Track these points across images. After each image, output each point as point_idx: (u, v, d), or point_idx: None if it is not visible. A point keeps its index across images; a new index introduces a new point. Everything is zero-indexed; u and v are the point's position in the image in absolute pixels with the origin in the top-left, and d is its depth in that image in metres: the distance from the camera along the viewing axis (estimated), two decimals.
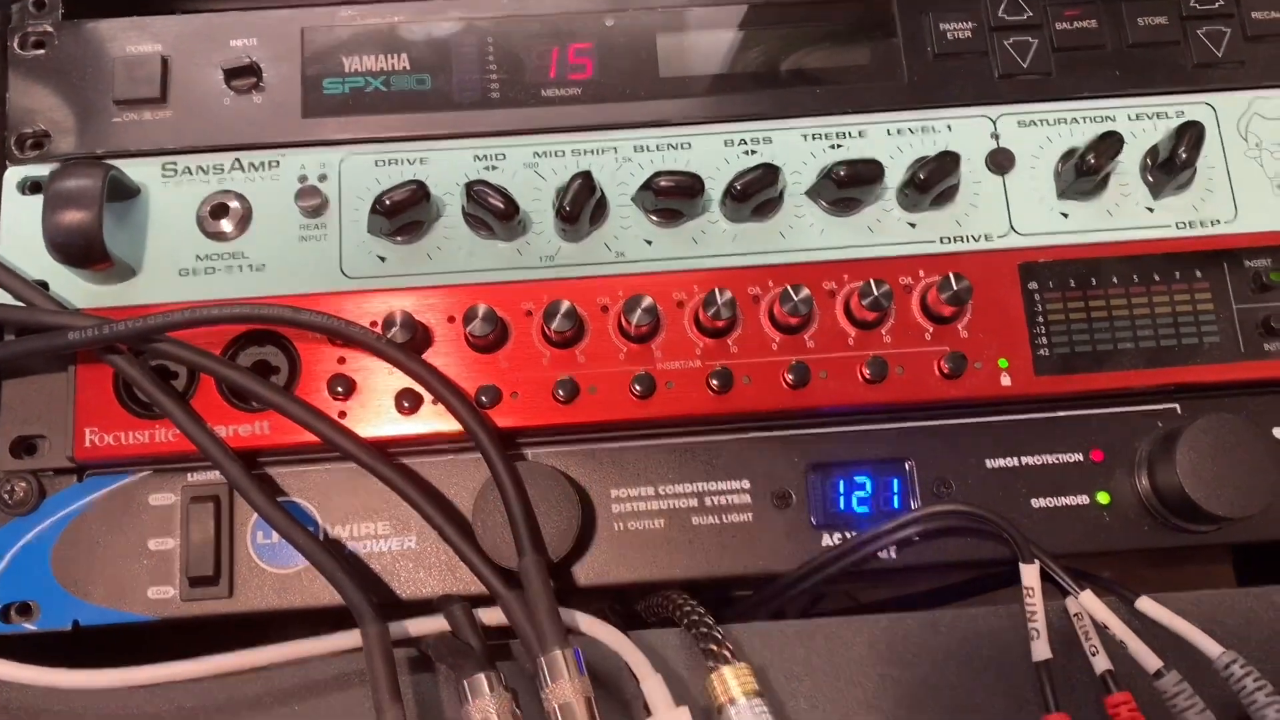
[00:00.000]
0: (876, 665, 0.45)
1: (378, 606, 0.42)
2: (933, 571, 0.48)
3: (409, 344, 0.45)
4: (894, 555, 0.47)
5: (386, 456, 0.45)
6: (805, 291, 0.46)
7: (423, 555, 0.47)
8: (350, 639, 0.43)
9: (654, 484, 0.48)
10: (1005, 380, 0.47)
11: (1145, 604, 0.45)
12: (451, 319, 0.47)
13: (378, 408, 0.46)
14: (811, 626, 0.46)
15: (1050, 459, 0.48)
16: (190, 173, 0.49)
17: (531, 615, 0.41)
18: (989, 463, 0.48)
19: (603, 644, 0.42)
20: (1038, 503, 0.47)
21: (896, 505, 0.47)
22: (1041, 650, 0.43)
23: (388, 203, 0.46)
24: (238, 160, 0.50)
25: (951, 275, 0.46)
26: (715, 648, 0.42)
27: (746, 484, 0.48)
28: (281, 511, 0.44)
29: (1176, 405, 0.48)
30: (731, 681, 0.41)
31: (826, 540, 0.47)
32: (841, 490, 0.48)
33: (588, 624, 0.43)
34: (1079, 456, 0.48)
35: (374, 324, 0.46)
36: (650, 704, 0.41)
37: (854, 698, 0.45)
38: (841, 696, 0.45)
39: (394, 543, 0.47)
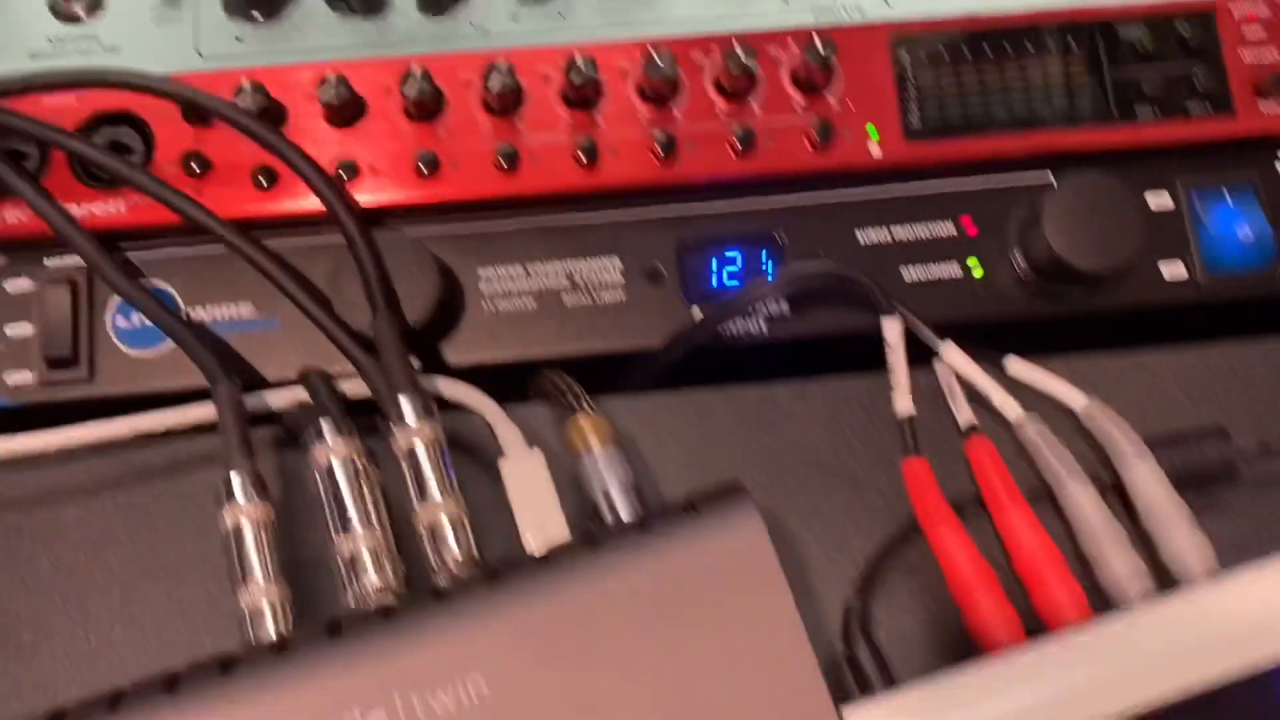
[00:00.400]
0: (745, 431, 0.45)
1: (226, 368, 0.41)
2: (807, 351, 0.48)
3: (261, 115, 0.44)
4: (765, 329, 0.47)
5: (245, 232, 0.44)
6: (671, 58, 0.45)
7: (287, 337, 0.46)
8: (208, 410, 0.42)
9: (523, 263, 0.47)
10: (875, 150, 0.47)
11: (1014, 364, 0.45)
12: (308, 95, 0.46)
13: (235, 185, 0.45)
14: (681, 397, 0.46)
15: (922, 230, 0.47)
16: None
17: (384, 370, 0.40)
18: (860, 236, 0.47)
19: (468, 411, 0.42)
20: (909, 274, 0.47)
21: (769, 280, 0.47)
22: (903, 403, 0.43)
23: None
24: None
25: (818, 40, 0.45)
26: (575, 404, 0.42)
27: (617, 262, 0.47)
28: (132, 282, 0.43)
29: (1049, 173, 0.48)
30: (588, 431, 0.41)
31: (698, 315, 0.47)
32: (714, 267, 0.47)
33: (446, 386, 0.42)
34: (951, 227, 0.47)
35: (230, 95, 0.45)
36: (503, 447, 0.40)
37: (722, 463, 0.44)
38: (710, 462, 0.44)
39: (258, 325, 0.46)
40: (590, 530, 0.35)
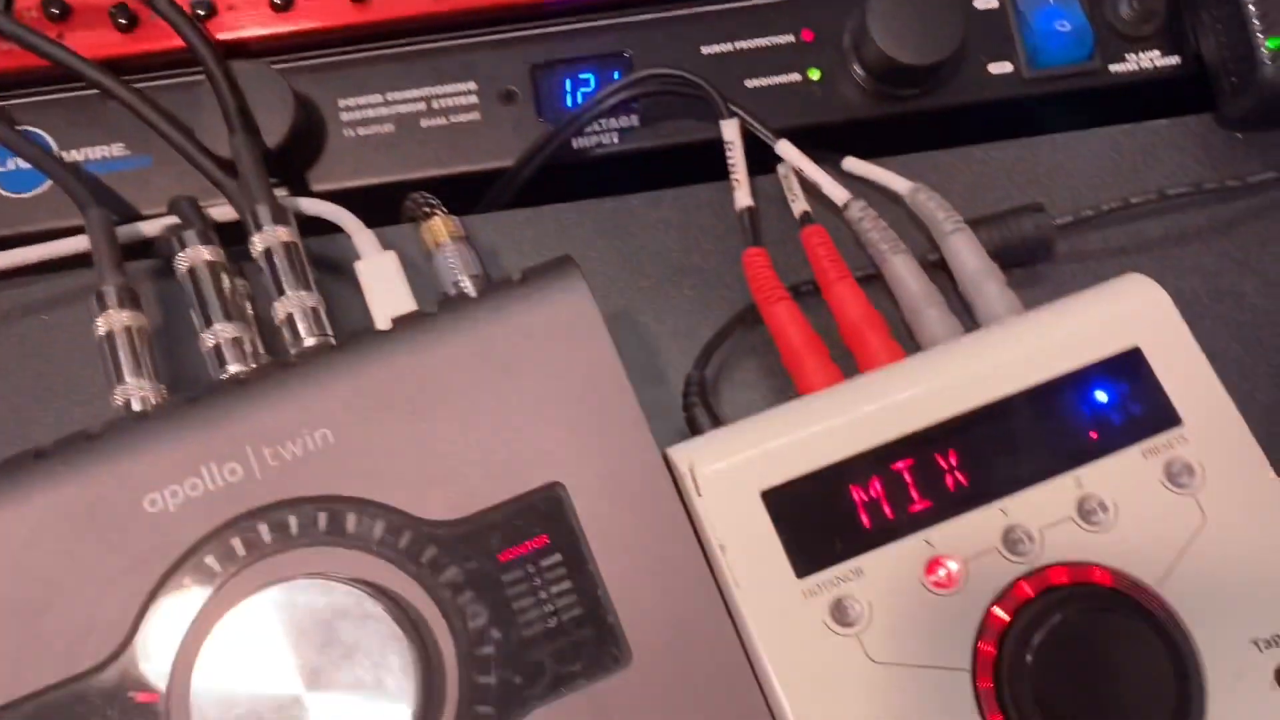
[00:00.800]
0: (601, 240, 0.47)
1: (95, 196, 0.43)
2: (658, 162, 0.50)
3: None
4: (616, 141, 0.49)
5: (110, 71, 0.46)
6: None
7: (160, 172, 0.48)
8: (84, 241, 0.44)
9: (381, 91, 0.49)
10: None
11: (850, 162, 0.47)
12: None
13: (96, 27, 0.47)
14: (540, 212, 0.48)
15: (763, 41, 0.50)
16: None
17: (242, 185, 0.43)
18: (705, 49, 0.50)
19: (331, 230, 0.44)
20: (751, 83, 0.50)
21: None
22: (743, 199, 0.46)
23: None
24: None
25: None
26: (429, 209, 0.44)
27: (472, 85, 0.49)
28: (2, 125, 0.45)
29: None
30: (439, 229, 0.43)
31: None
32: (567, 87, 0.49)
33: (306, 203, 0.45)
34: (790, 37, 0.50)
35: None
36: (359, 250, 0.43)
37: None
38: None
39: (131, 163, 0.48)
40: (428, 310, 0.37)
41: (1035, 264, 0.46)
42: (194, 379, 0.44)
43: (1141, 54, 0.50)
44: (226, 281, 0.41)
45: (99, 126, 0.48)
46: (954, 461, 0.35)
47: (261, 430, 0.34)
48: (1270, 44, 0.45)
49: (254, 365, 0.40)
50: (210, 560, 0.32)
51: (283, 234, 0.41)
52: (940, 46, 0.47)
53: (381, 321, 0.41)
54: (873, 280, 0.45)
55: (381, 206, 0.48)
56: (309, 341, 0.39)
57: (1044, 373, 0.36)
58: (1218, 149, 0.49)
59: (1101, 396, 0.36)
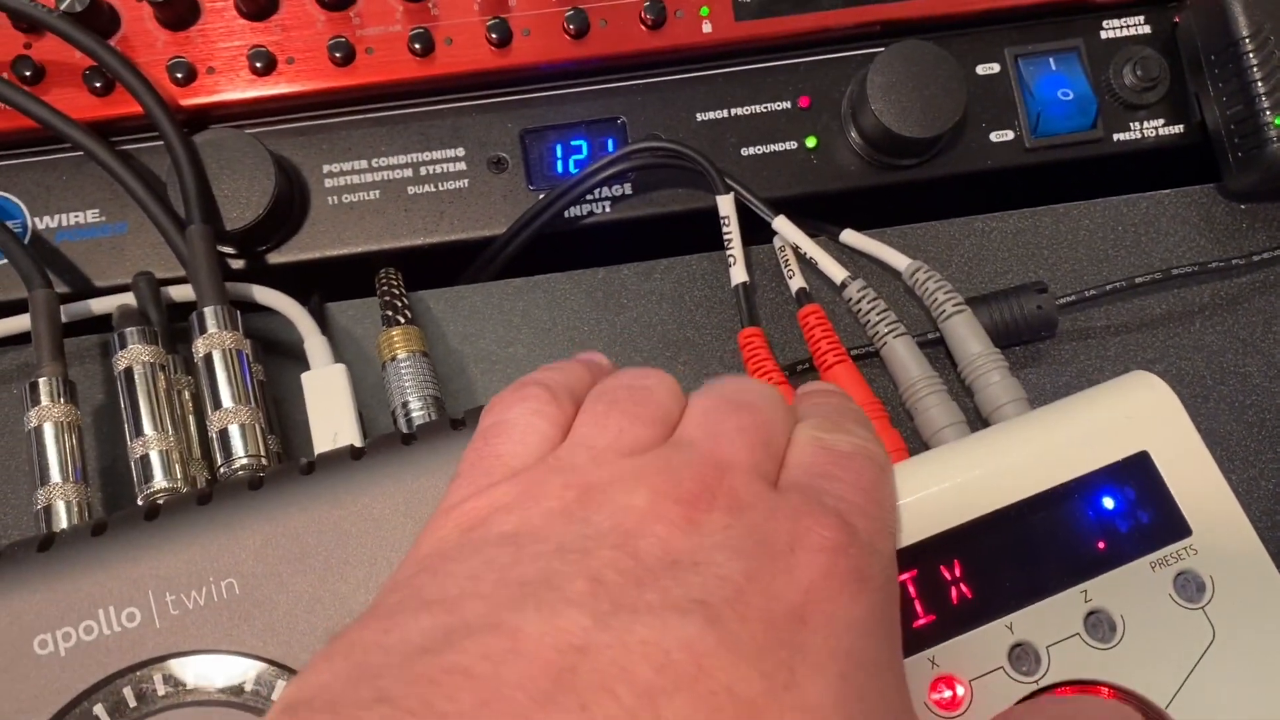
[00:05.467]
0: (592, 312, 0.46)
1: (46, 274, 0.42)
2: (651, 231, 0.49)
3: (88, 17, 0.44)
4: (609, 210, 0.48)
5: (92, 132, 0.44)
6: None
7: (134, 240, 0.46)
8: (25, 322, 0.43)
9: (367, 157, 0.47)
10: (707, 27, 0.47)
11: (848, 235, 0.46)
12: None
13: (69, 89, 0.45)
14: (531, 282, 0.47)
15: (758, 108, 0.49)
16: None
17: (193, 280, 0.41)
18: (699, 115, 0.48)
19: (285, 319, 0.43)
20: (747, 151, 0.48)
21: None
22: (739, 275, 0.45)
23: None
24: None
25: None
26: (390, 313, 0.43)
27: (461, 151, 0.48)
28: None
29: (882, 48, 0.49)
30: (396, 341, 0.42)
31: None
32: (558, 153, 0.48)
33: (260, 293, 0.43)
34: (786, 104, 0.49)
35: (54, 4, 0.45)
36: (310, 360, 0.41)
37: (571, 342, 0.46)
38: (558, 342, 0.46)
39: (105, 229, 0.47)
40: (357, 446, 0.35)
41: (1037, 341, 0.45)
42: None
43: (1145, 123, 0.49)
44: (163, 384, 0.40)
45: (74, 191, 0.47)
46: (959, 573, 0.34)
47: (166, 575, 0.32)
48: (1277, 122, 0.44)
49: (181, 482, 0.38)
50: (99, 710, 0.31)
51: (227, 340, 0.40)
52: (941, 120, 0.45)
53: (319, 440, 0.39)
54: (871, 358, 0.44)
55: (364, 276, 0.47)
56: (240, 460, 0.38)
57: (1051, 478, 0.35)
58: (1221, 220, 0.48)
59: (1109, 503, 0.35)
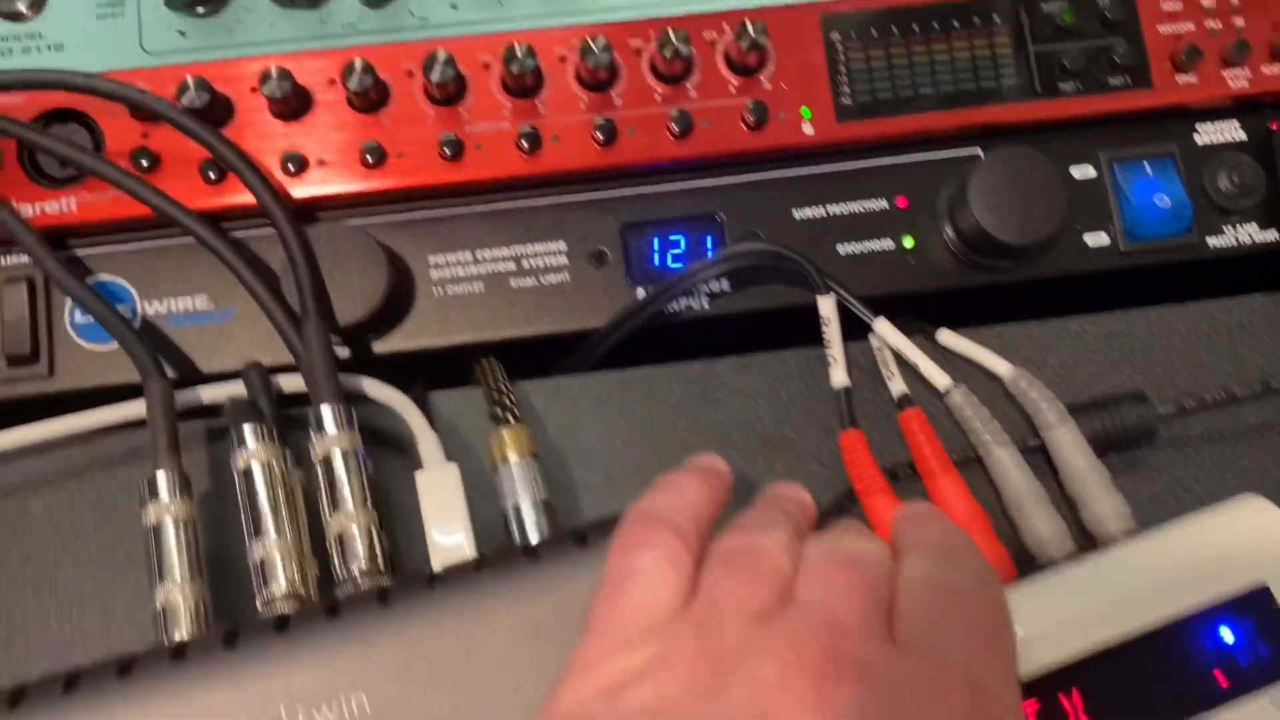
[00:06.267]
0: (689, 407, 0.47)
1: (162, 366, 0.43)
2: (747, 325, 0.49)
3: (207, 112, 0.45)
4: (706, 306, 0.49)
5: (205, 220, 0.45)
6: (606, 43, 0.46)
7: (242, 327, 0.47)
8: (139, 407, 0.43)
9: (471, 249, 0.48)
10: (808, 129, 0.48)
11: (945, 335, 0.47)
12: (253, 89, 0.47)
13: (185, 181, 0.46)
14: (628, 375, 0.47)
15: (856, 206, 0.49)
16: None
17: (309, 377, 0.42)
18: (796, 213, 0.49)
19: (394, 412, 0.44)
20: (844, 249, 0.49)
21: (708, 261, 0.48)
22: (839, 378, 0.45)
23: None
24: None
25: (749, 23, 0.46)
26: (500, 411, 0.43)
27: (562, 245, 0.48)
28: (74, 277, 0.44)
29: (978, 149, 0.49)
30: (507, 443, 0.42)
31: (642, 295, 0.48)
32: (656, 247, 0.49)
33: (371, 386, 0.44)
34: (884, 203, 0.49)
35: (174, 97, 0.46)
36: (423, 459, 0.42)
37: (667, 437, 0.46)
38: (655, 437, 0.46)
39: (214, 315, 0.47)
40: (481, 555, 0.35)
41: (1135, 450, 0.46)
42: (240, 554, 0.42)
43: (1240, 227, 0.49)
44: (281, 486, 0.40)
45: (182, 277, 0.47)
46: (1079, 704, 0.34)
47: (298, 690, 0.32)
48: None
49: (299, 585, 0.39)
50: None
51: (345, 441, 0.40)
52: (1042, 227, 0.46)
53: (437, 553, 0.40)
54: (972, 463, 0.45)
55: (464, 363, 0.47)
56: (359, 565, 0.39)
57: (1168, 611, 0.35)
58: None
59: (1228, 636, 0.35)
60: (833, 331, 0.45)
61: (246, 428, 0.40)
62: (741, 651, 0.28)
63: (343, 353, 0.47)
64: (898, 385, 0.45)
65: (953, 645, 0.29)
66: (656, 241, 0.49)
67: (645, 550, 0.31)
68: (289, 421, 0.44)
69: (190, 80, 0.45)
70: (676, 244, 0.49)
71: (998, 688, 0.29)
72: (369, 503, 0.40)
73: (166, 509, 0.40)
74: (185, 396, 0.44)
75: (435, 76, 0.45)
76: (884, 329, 0.45)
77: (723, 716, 0.26)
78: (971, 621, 0.30)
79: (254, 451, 0.40)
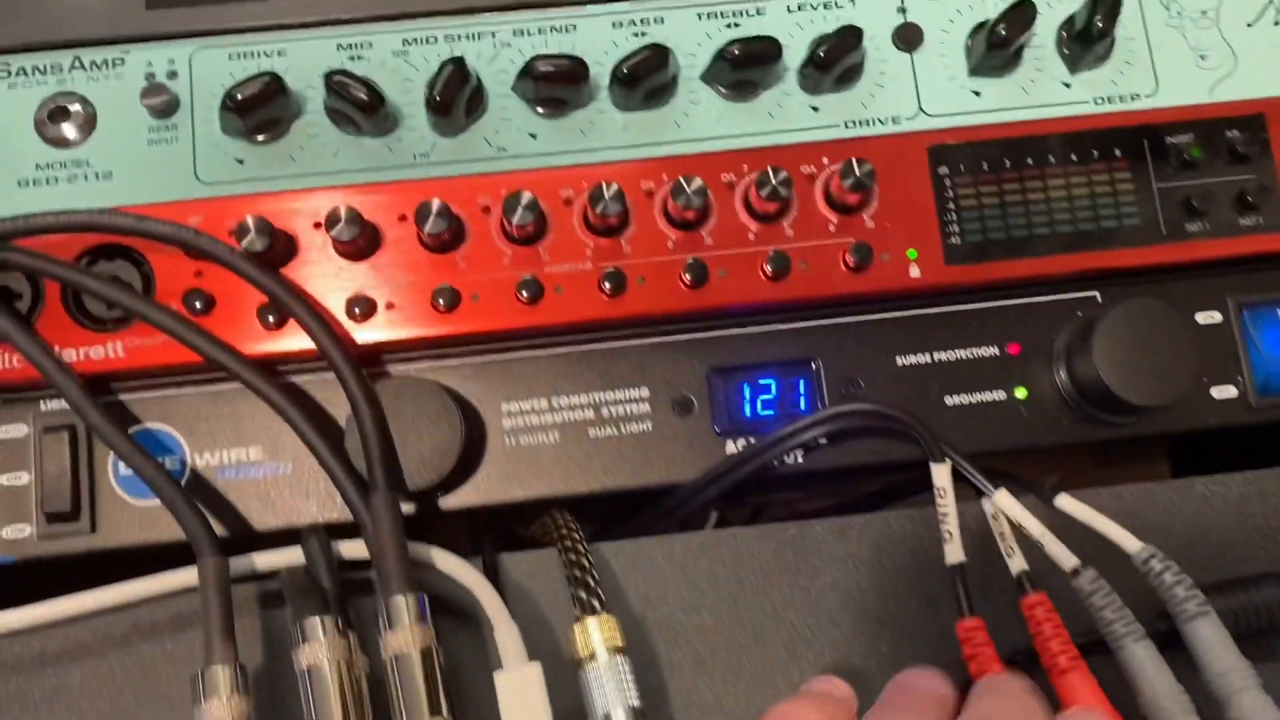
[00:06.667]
0: (783, 575, 0.43)
1: (216, 538, 0.39)
2: (844, 476, 0.46)
3: (268, 254, 0.42)
4: (800, 459, 0.45)
5: (253, 364, 0.42)
6: (699, 183, 0.43)
7: (300, 481, 0.44)
8: (191, 576, 0.40)
9: (547, 395, 0.45)
10: (914, 271, 0.44)
11: (1064, 501, 0.43)
12: (317, 225, 0.43)
13: (241, 324, 0.43)
14: (715, 537, 0.44)
15: (963, 354, 0.45)
16: (25, 73, 0.45)
17: (378, 558, 0.38)
18: (899, 360, 0.45)
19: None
20: (951, 400, 0.45)
21: (803, 408, 0.45)
22: (955, 553, 0.41)
23: (239, 98, 0.42)
24: (78, 58, 0.45)
25: (854, 161, 0.43)
26: (584, 594, 0.39)
27: (645, 392, 0.45)
28: (121, 433, 0.40)
29: (1096, 293, 0.46)
30: (593, 638, 0.38)
31: (731, 448, 0.44)
32: (746, 395, 0.45)
33: (443, 560, 0.40)
34: (994, 350, 0.45)
35: (230, 232, 0.42)
36: (501, 655, 0.38)
37: (760, 609, 0.42)
38: (747, 608, 0.42)
39: (268, 469, 0.44)
40: None
41: (1269, 636, 0.42)
42: None
43: None
44: (348, 683, 0.36)
45: (235, 426, 0.44)
46: None
47: None
48: None
49: None
50: None
51: (419, 639, 0.36)
52: (1171, 388, 0.42)
53: None
54: (1097, 647, 0.41)
55: (536, 511, 0.44)
56: None
57: None
58: None
59: None
60: (948, 503, 0.41)
61: (312, 624, 0.37)
62: None
63: (406, 508, 0.44)
64: (1018, 563, 0.41)
65: None
66: (746, 389, 0.45)
67: None
68: (354, 586, 0.41)
69: (251, 222, 0.41)
70: (767, 390, 0.45)
71: None
72: (445, 709, 0.36)
73: (223, 709, 0.36)
74: (239, 564, 0.41)
75: (516, 218, 0.42)
76: (1005, 502, 0.41)
77: None
78: None
79: (318, 649, 0.36)
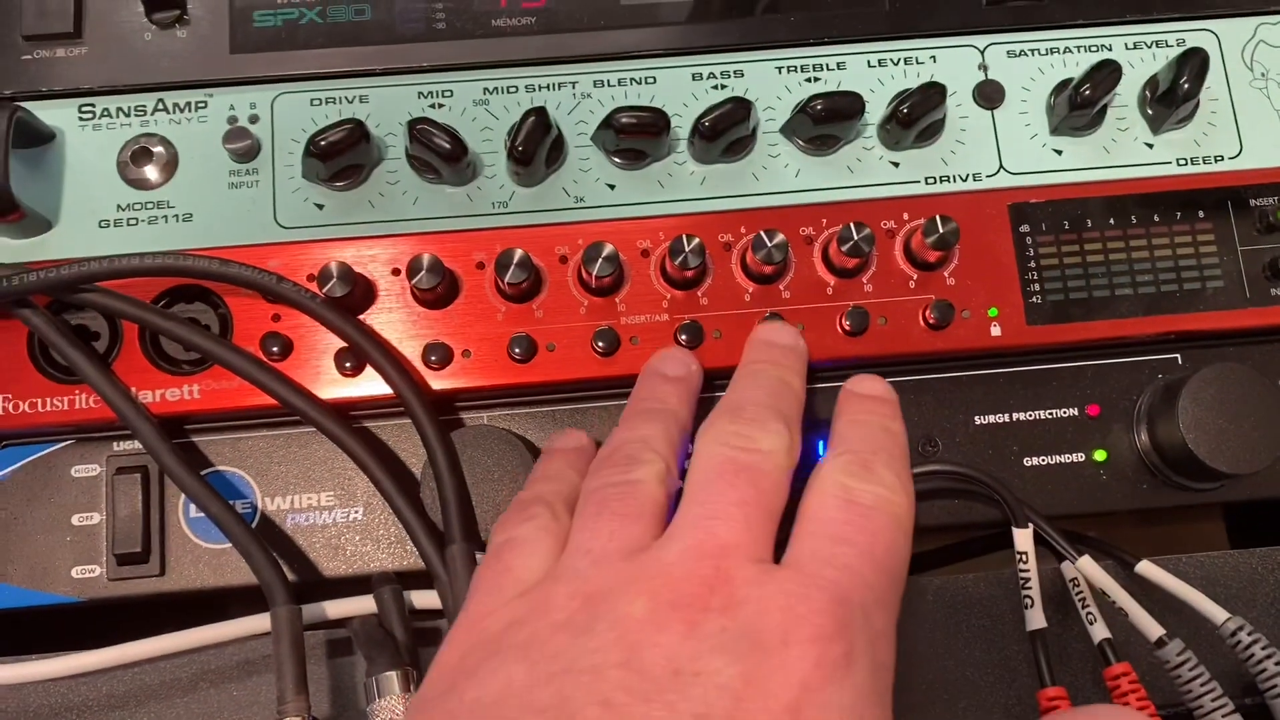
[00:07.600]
0: None
1: (291, 586, 0.39)
2: (919, 535, 0.45)
3: (347, 299, 0.42)
4: None
5: (331, 411, 0.42)
6: (780, 237, 0.42)
7: (370, 527, 0.43)
8: (262, 623, 0.40)
9: None
10: (995, 330, 0.44)
11: (1146, 568, 0.42)
12: (396, 271, 0.43)
13: (317, 369, 0.43)
14: None
15: (1043, 414, 0.45)
16: (110, 115, 0.45)
17: (452, 612, 0.38)
18: (978, 419, 0.45)
19: None
20: (1030, 461, 0.44)
21: None
22: (1036, 619, 0.41)
23: (322, 144, 0.42)
24: (161, 101, 0.45)
25: (938, 218, 0.42)
26: None
27: None
28: (196, 477, 0.40)
29: (1178, 355, 0.45)
30: None
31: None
32: (820, 451, 0.44)
33: None
34: (1074, 411, 0.45)
35: (311, 277, 0.42)
36: None
37: None
38: None
39: (339, 514, 0.44)
40: None
41: None
42: None
43: None
44: None
45: (306, 470, 0.44)
46: None
47: None
48: None
49: None
50: None
51: None
52: (1261, 456, 0.41)
53: None
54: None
55: None
56: None
57: None
58: None
59: None
60: (1030, 569, 0.41)
61: (390, 675, 0.36)
62: (611, 590, 0.29)
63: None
64: (1100, 630, 0.40)
65: (836, 563, 0.30)
66: (821, 446, 0.44)
67: (522, 523, 0.34)
68: (421, 636, 0.40)
69: (334, 268, 0.41)
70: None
71: (868, 615, 0.30)
72: None
73: None
74: (310, 612, 0.41)
75: (596, 269, 0.42)
76: (1088, 568, 0.41)
77: (594, 654, 0.27)
78: (867, 544, 0.31)
79: (393, 703, 0.36)
